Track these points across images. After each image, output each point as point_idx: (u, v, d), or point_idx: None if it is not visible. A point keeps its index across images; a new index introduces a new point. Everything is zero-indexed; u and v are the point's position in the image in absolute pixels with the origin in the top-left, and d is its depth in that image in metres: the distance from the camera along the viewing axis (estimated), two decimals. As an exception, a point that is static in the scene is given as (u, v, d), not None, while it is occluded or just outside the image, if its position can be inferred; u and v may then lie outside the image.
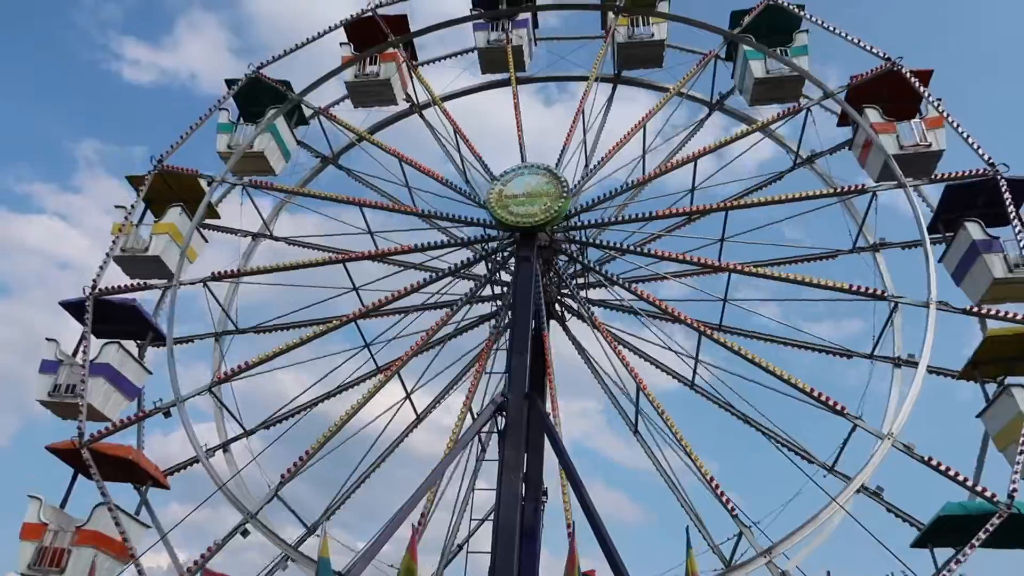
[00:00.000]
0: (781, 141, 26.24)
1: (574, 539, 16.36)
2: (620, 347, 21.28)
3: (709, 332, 20.76)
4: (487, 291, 23.63)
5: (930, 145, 22.39)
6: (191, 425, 20.85)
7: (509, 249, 22.88)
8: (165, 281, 23.34)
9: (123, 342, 22.03)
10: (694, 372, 22.24)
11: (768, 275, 21.27)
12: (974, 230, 20.56)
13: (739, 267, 21.60)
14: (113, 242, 23.59)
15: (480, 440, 20.26)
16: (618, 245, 22.94)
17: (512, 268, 22.87)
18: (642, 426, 21.88)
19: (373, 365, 23.62)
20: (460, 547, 21.84)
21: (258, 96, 26.62)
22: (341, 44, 27.39)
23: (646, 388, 20.03)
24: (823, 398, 19.02)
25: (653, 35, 26.58)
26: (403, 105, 28.16)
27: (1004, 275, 19.99)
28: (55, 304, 22.50)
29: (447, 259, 23.86)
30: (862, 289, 20.54)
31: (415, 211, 24.47)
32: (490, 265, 23.19)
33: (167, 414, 21.25)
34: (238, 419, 22.63)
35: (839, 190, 22.71)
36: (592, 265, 22.98)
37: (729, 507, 18.12)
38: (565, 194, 22.00)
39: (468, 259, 23.26)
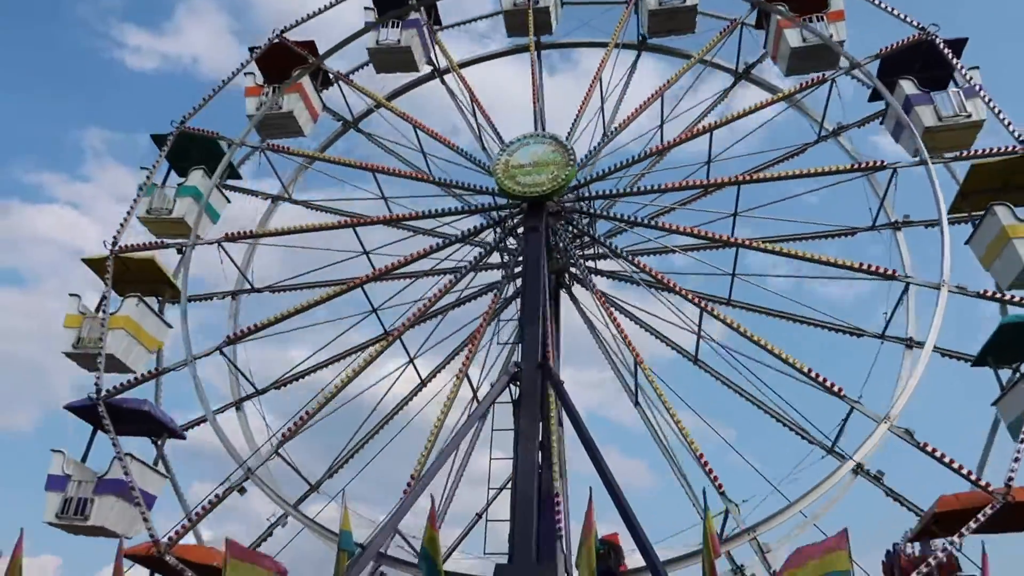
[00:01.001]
0: (808, 112, 25.81)
1: (591, 503, 16.59)
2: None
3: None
4: (494, 259, 24.07)
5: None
6: (200, 383, 21.74)
7: (518, 218, 23.18)
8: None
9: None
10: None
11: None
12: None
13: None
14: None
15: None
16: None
17: (521, 236, 23.29)
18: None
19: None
20: (479, 516, 22.70)
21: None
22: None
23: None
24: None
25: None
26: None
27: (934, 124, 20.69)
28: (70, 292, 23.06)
29: (458, 226, 24.21)
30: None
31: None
32: (497, 232, 23.52)
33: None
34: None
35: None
36: (598, 236, 23.11)
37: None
38: (571, 163, 22.13)
39: (477, 226, 23.63)
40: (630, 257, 22.10)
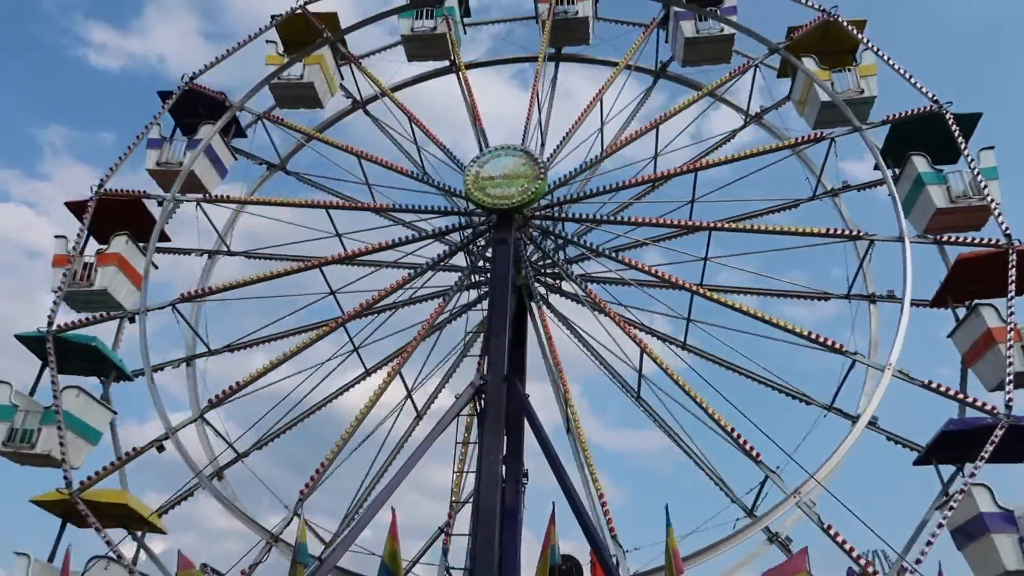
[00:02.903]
0: (730, 103, 27.24)
1: (553, 520, 18.20)
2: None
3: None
4: (460, 261, 24.68)
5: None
6: (146, 336, 22.49)
7: (486, 236, 23.60)
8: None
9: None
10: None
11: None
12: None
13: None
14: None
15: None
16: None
17: (489, 243, 23.64)
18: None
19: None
20: (440, 530, 23.14)
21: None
22: (268, 42, 27.96)
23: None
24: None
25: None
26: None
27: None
28: (26, 293, 24.30)
29: (421, 254, 24.75)
30: (839, 232, 21.91)
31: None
32: (466, 234, 24.09)
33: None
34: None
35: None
36: (558, 257, 23.57)
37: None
38: (542, 175, 22.57)
39: (446, 251, 23.91)
40: (613, 254, 22.97)
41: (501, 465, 19.28)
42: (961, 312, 21.50)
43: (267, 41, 28.19)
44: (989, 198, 21.50)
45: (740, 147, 25.68)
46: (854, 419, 21.03)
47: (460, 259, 24.48)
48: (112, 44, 78.90)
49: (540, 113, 25.98)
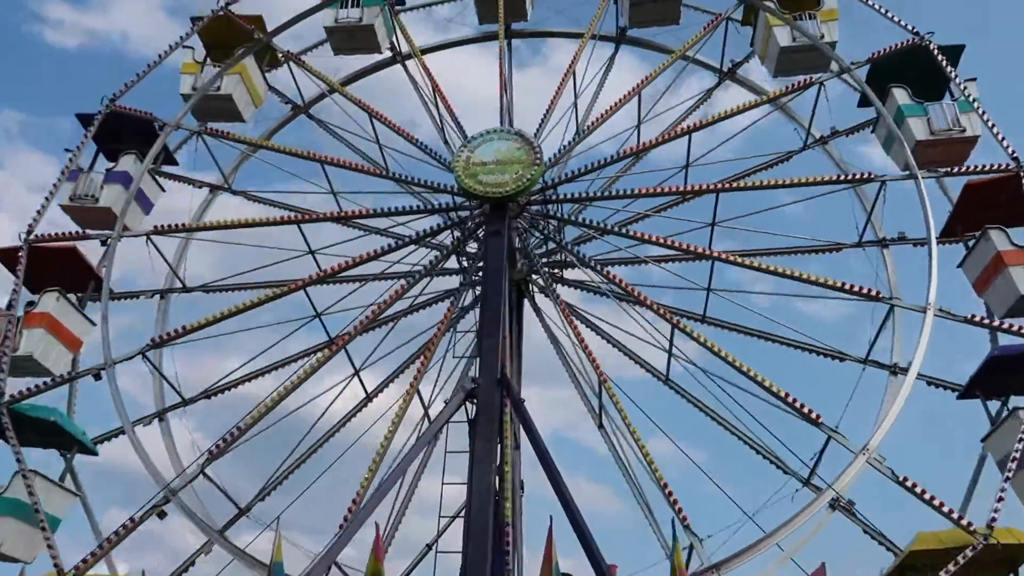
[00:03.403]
0: (795, 117, 26.17)
1: (551, 535, 16.76)
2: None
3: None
4: (452, 263, 24.00)
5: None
6: (119, 392, 21.20)
7: (479, 220, 23.19)
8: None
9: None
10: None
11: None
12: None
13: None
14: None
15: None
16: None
17: (482, 240, 23.25)
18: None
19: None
20: (429, 547, 22.56)
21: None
22: (185, 47, 26.64)
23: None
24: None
25: None
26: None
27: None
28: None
29: (414, 227, 24.10)
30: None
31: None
32: (456, 235, 23.54)
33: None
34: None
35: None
36: (565, 243, 23.23)
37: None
38: (538, 162, 22.23)
39: (435, 226, 23.57)
40: (599, 267, 22.12)
41: (494, 476, 18.85)
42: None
43: (183, 47, 26.87)
44: (992, 124, 22.05)
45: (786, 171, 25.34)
46: (893, 369, 21.36)
47: (454, 261, 24.09)
48: (70, 20, 75.56)
49: (506, 95, 25.65)
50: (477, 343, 21.72)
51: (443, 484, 20.10)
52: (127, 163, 24.42)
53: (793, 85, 24.25)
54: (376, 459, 19.68)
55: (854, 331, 21.32)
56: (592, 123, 24.31)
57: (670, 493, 18.65)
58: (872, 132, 24.19)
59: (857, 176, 22.48)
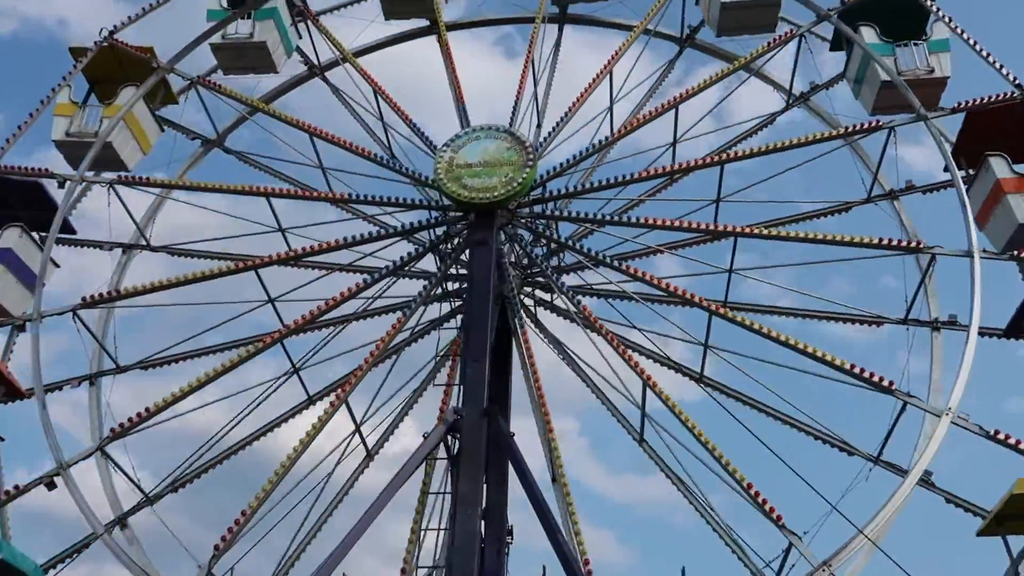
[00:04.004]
0: (770, 79, 27.07)
1: None
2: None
3: (721, 310, 21.04)
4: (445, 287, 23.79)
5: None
6: (82, 496, 20.30)
7: (463, 234, 22.95)
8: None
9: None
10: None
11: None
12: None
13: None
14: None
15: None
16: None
17: (466, 257, 23.07)
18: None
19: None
20: None
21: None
22: None
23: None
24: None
25: None
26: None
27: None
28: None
29: (384, 256, 23.88)
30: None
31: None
32: (441, 257, 23.22)
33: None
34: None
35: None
36: (570, 243, 23.20)
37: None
38: (531, 162, 22.26)
39: (412, 252, 23.16)
40: (616, 263, 22.13)
41: (480, 520, 18.79)
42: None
43: (62, 85, 25.81)
44: (988, 54, 23.32)
45: (778, 135, 25.77)
46: (935, 324, 22.29)
47: (430, 262, 23.88)
48: (2, 4, 71.27)
49: (536, 87, 25.68)
50: (460, 369, 21.43)
51: (423, 529, 19.77)
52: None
53: (771, 42, 24.98)
54: (335, 501, 20.35)
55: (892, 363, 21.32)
56: (568, 109, 24.35)
57: (756, 493, 18.71)
58: (844, 78, 25.08)
59: (862, 126, 23.21)
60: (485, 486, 18.99)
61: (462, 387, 20.41)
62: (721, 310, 21.13)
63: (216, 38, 26.09)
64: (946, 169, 22.20)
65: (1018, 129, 22.22)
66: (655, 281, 21.59)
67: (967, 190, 21.77)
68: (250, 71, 27.02)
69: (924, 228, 24.10)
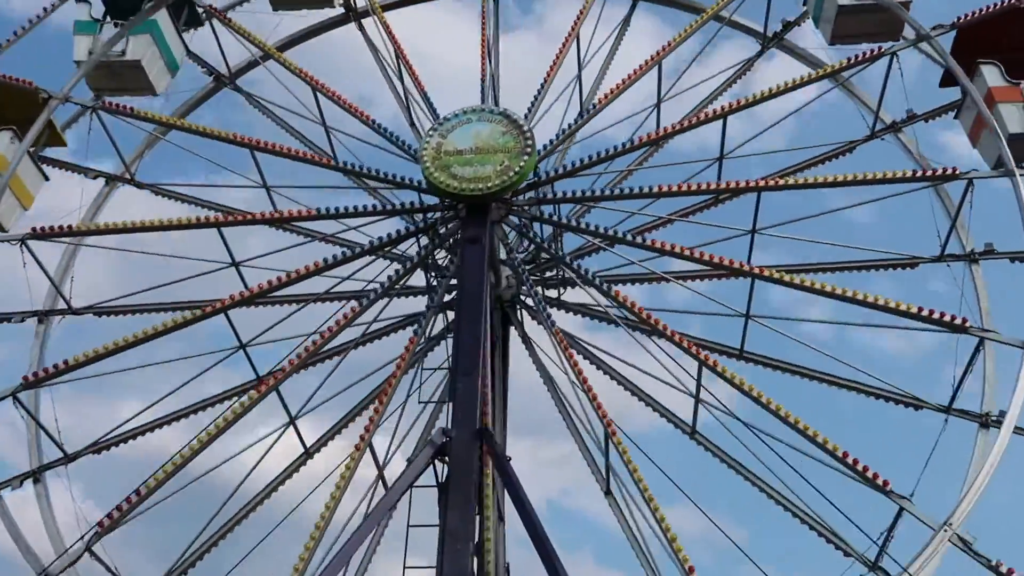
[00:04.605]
0: (859, 97, 26.00)
1: None
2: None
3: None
4: (418, 279, 23.92)
5: None
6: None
7: (452, 225, 22.98)
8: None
9: None
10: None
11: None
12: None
13: (767, 272, 21.66)
14: None
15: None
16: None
17: (458, 250, 22.78)
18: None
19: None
20: None
21: None
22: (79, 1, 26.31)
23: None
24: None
25: None
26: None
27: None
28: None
29: (368, 232, 24.12)
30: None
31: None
32: (424, 243, 23.32)
33: None
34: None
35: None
36: (562, 254, 22.96)
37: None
38: (528, 150, 22.01)
39: (396, 233, 23.29)
40: (605, 285, 21.77)
41: (472, 557, 18.18)
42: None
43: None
44: None
45: (846, 163, 25.44)
46: (984, 420, 21.03)
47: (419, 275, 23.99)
48: None
49: (489, 64, 25.81)
50: (449, 384, 21.34)
51: (405, 568, 19.29)
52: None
53: (859, 56, 24.20)
54: (314, 534, 19.23)
55: (933, 371, 21.06)
56: (599, 101, 24.19)
57: (855, 462, 18.98)
58: (956, 118, 24.06)
59: (938, 172, 22.29)
60: (478, 517, 18.70)
61: (451, 404, 20.16)
62: (769, 272, 21.47)
63: (81, 55, 25.87)
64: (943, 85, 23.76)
65: (1013, 37, 22.73)
66: (689, 253, 21.68)
67: (957, 114, 23.29)
68: (127, 93, 26.56)
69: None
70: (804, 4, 26.32)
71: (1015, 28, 23.01)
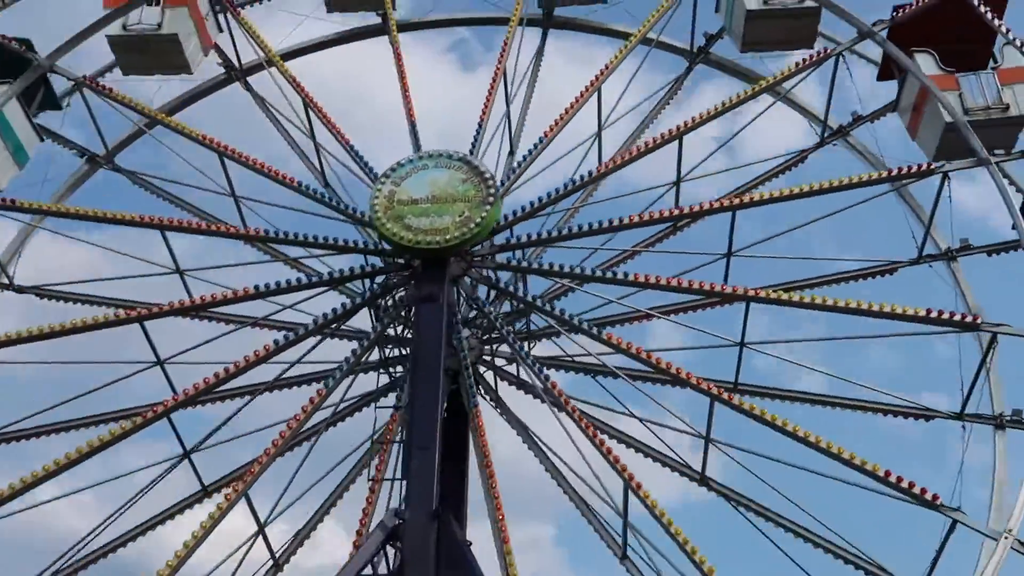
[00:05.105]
0: (801, 106, 27.11)
1: None
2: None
3: (725, 395, 20.78)
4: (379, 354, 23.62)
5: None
6: None
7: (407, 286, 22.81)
8: None
9: None
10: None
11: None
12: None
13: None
14: None
15: None
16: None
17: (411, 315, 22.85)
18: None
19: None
20: None
21: None
22: None
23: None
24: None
25: None
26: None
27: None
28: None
29: (305, 309, 23.67)
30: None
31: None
32: (378, 313, 23.03)
33: None
34: None
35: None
36: (539, 302, 22.88)
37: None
38: (492, 197, 22.13)
39: (343, 306, 22.85)
40: (597, 330, 21.83)
41: None
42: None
43: None
44: None
45: (804, 176, 25.85)
46: (998, 420, 21.80)
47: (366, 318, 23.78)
48: None
49: (508, 106, 26.20)
50: (403, 459, 20.95)
51: None
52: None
53: (802, 62, 25.05)
54: None
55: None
56: (542, 138, 24.35)
57: (900, 479, 19.02)
58: (894, 112, 25.17)
59: (910, 170, 22.98)
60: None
61: (405, 482, 20.01)
62: (725, 395, 20.84)
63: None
64: (1014, 227, 22.03)
65: (948, 28, 23.68)
66: (641, 353, 21.32)
67: (897, 96, 24.07)
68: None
69: (985, 295, 23.89)
70: (716, 11, 27.06)
71: (950, 19, 23.85)
